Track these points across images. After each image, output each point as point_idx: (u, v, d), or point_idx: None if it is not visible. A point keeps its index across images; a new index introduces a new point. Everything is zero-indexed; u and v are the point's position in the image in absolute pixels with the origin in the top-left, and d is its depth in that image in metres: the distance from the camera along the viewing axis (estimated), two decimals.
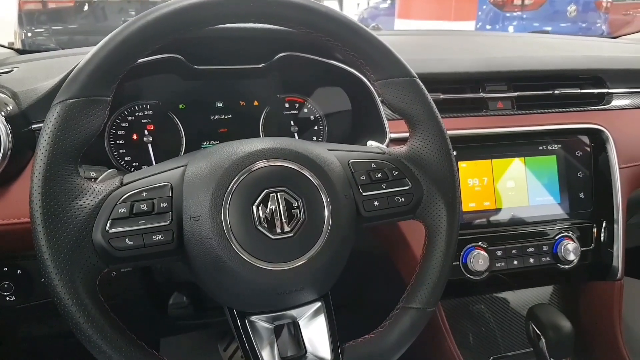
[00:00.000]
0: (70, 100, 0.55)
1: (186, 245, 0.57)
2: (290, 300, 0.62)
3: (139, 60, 0.59)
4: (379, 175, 0.64)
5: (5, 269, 0.79)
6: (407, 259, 0.92)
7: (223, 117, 0.96)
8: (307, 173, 0.60)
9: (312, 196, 0.60)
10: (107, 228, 0.55)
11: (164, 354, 0.58)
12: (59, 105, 0.55)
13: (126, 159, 0.90)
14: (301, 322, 0.64)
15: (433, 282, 0.64)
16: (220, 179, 0.58)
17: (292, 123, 1.00)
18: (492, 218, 0.97)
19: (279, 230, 0.58)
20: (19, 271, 0.79)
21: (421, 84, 0.67)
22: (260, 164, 0.59)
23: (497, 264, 0.94)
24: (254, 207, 0.58)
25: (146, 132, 0.92)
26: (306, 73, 0.94)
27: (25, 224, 0.73)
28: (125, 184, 0.58)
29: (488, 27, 6.54)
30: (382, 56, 0.65)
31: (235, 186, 0.58)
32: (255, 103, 0.99)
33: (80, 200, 0.55)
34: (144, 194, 0.58)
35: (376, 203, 0.63)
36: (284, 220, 0.58)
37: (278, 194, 0.58)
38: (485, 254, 0.92)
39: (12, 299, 0.80)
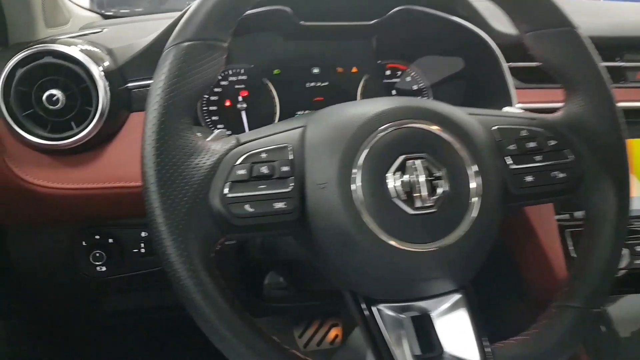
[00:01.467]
0: (186, 44, 0.48)
1: (309, 216, 0.50)
2: (424, 289, 0.53)
3: (246, 12, 0.52)
4: (532, 145, 0.54)
5: (97, 237, 0.74)
6: (530, 250, 0.81)
7: (319, 84, 0.89)
8: (450, 138, 0.51)
9: (456, 165, 0.50)
10: (226, 192, 0.48)
11: None
12: (174, 48, 0.48)
13: (219, 126, 0.84)
14: (434, 316, 0.54)
15: (599, 277, 0.53)
16: (350, 142, 0.50)
17: (392, 93, 0.91)
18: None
19: (418, 204, 0.49)
20: (110, 240, 0.74)
21: (585, 36, 0.55)
22: (394, 125, 0.50)
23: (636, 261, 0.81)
24: (389, 176, 0.49)
25: (240, 98, 0.85)
26: (418, 32, 0.84)
27: (118, 189, 0.68)
28: (242, 144, 0.51)
29: None
30: (536, 2, 0.55)
31: (366, 150, 0.49)
32: (354, 70, 0.90)
33: (195, 159, 0.49)
34: (264, 155, 0.50)
35: (529, 179, 0.53)
36: (425, 193, 0.49)
37: (418, 160, 0.49)
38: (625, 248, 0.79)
39: (103, 269, 0.75)
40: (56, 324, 0.87)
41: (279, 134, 0.53)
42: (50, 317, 0.85)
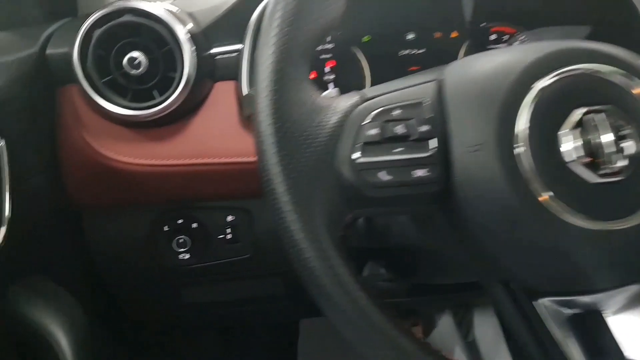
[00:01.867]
0: None
1: (456, 186, 0.40)
2: (602, 278, 0.41)
3: None
4: None
5: (180, 221, 0.66)
6: None
7: (414, 52, 0.78)
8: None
9: None
10: (356, 156, 0.39)
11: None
12: None
13: None
14: (607, 313, 0.43)
15: None
16: (509, 93, 0.39)
17: None
18: None
19: (603, 171, 0.38)
20: (194, 225, 0.67)
21: None
22: (566, 71, 0.40)
23: None
24: (563, 134, 0.38)
25: (327, 69, 0.76)
26: None
27: (205, 166, 0.60)
28: (369, 99, 0.42)
29: None
30: None
31: (531, 104, 0.39)
32: (454, 35, 0.79)
33: (317, 116, 0.40)
34: (397, 111, 0.41)
35: None
36: (612, 156, 0.38)
37: (599, 115, 0.38)
38: None
39: (186, 257, 0.67)
40: (132, 320, 0.80)
41: (411, 89, 0.43)
42: (126, 311, 0.78)
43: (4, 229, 0.48)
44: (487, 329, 1.21)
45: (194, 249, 0.67)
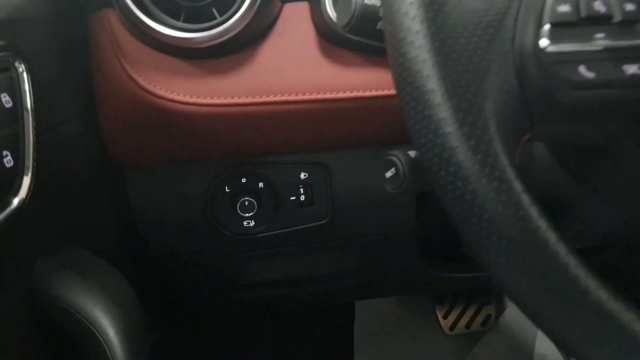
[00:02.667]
0: None
1: None
2: None
3: None
4: None
5: (244, 180, 0.54)
6: None
7: None
8: None
9: None
10: (544, 43, 0.27)
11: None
12: None
13: None
14: None
15: None
16: None
17: None
18: None
19: None
20: (261, 184, 0.54)
21: None
22: None
23: None
24: None
25: None
26: None
27: (279, 105, 0.47)
28: None
29: None
30: None
31: None
32: None
33: None
34: None
35: None
36: None
37: None
38: None
39: (251, 225, 0.55)
40: (183, 303, 0.68)
41: None
42: (176, 294, 0.66)
43: (27, 180, 0.36)
44: None
45: (260, 214, 0.54)
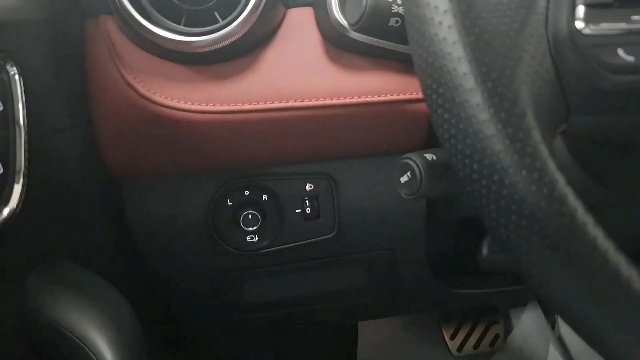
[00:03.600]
0: None
1: None
2: None
3: None
4: None
5: (247, 193, 0.51)
6: None
7: None
8: None
9: None
10: (580, 25, 0.26)
11: None
12: None
13: None
14: None
15: None
16: None
17: None
18: None
19: None
20: (264, 197, 0.52)
21: None
22: None
23: None
24: None
25: None
26: None
27: (284, 111, 0.45)
28: None
29: None
30: None
31: None
32: None
33: None
34: None
35: None
36: None
37: None
38: None
39: (255, 239, 0.52)
40: (182, 323, 0.65)
41: None
42: (175, 313, 0.62)
43: (18, 189, 0.33)
44: None
45: (264, 228, 0.52)
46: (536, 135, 0.22)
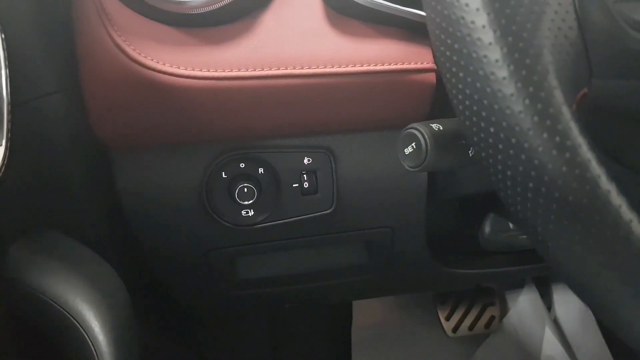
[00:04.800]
0: None
1: None
2: None
3: None
4: None
5: (242, 165, 0.49)
6: None
7: None
8: None
9: None
10: None
11: None
12: None
13: None
14: None
15: None
16: None
17: None
18: None
19: None
20: (261, 170, 0.50)
21: None
22: None
23: None
24: None
25: None
26: None
27: (283, 78, 0.43)
28: None
29: None
30: None
31: None
32: None
33: None
34: None
35: None
36: None
37: None
38: None
39: (250, 214, 0.51)
40: (173, 299, 0.63)
41: None
42: (166, 288, 0.61)
43: (2, 149, 0.31)
44: (570, 305, 1.05)
45: (260, 202, 0.50)
46: (559, 95, 0.20)
